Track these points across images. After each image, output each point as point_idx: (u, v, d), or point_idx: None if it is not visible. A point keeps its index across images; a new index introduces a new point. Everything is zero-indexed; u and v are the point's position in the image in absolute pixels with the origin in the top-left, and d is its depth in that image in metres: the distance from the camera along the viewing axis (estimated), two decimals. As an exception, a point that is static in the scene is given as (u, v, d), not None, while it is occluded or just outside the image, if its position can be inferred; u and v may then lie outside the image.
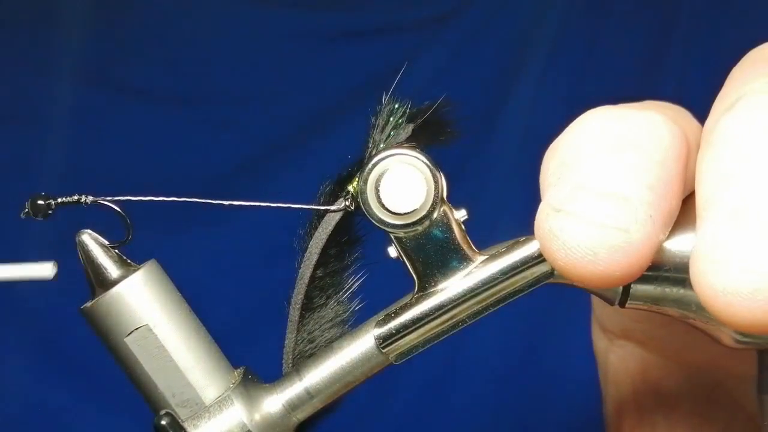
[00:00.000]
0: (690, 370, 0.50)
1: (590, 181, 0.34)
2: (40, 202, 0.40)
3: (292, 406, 0.41)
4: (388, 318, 0.41)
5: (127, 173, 0.82)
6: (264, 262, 0.83)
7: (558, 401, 0.82)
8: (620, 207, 0.33)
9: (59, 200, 0.41)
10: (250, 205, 0.43)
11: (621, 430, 0.53)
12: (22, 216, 0.41)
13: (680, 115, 0.40)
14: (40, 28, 0.84)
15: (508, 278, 0.40)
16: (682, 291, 0.37)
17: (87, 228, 0.41)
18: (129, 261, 0.42)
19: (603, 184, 0.33)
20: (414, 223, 0.40)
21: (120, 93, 0.85)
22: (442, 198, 0.40)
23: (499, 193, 0.82)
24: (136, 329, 0.40)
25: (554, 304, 0.79)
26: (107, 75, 0.85)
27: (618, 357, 0.51)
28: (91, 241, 0.41)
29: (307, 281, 0.43)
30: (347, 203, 0.42)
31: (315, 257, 0.43)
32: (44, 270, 0.41)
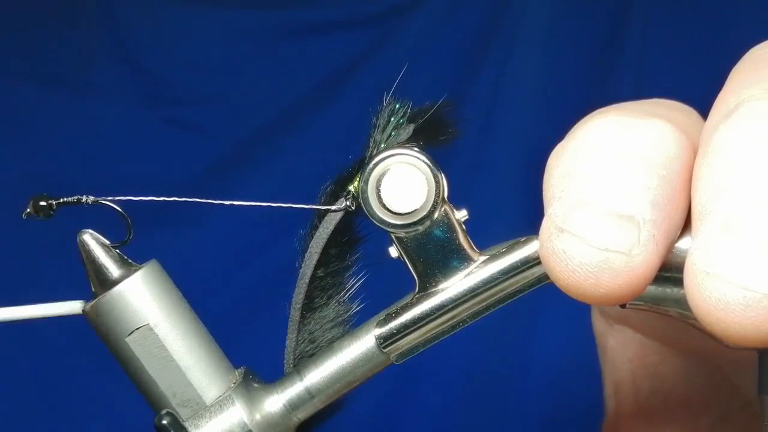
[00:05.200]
0: (688, 355, 0.50)
1: (593, 197, 0.33)
2: (42, 203, 0.41)
3: (293, 406, 0.41)
4: (388, 318, 0.41)
5: (92, 176, 0.82)
6: (242, 262, 0.83)
7: (526, 389, 0.82)
8: (623, 228, 0.33)
9: (60, 200, 0.41)
10: (249, 205, 0.43)
11: (619, 412, 0.53)
12: (24, 216, 0.41)
13: (687, 116, 0.39)
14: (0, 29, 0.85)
15: (508, 278, 0.40)
16: (682, 291, 0.37)
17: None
18: (130, 261, 0.42)
19: (606, 202, 0.33)
20: (415, 223, 0.40)
21: (83, 95, 0.85)
22: (443, 198, 0.40)
23: (461, 180, 0.82)
24: (137, 329, 0.40)
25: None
26: (69, 77, 0.85)
27: (616, 341, 0.51)
28: (92, 240, 0.41)
29: (308, 281, 0.43)
30: (348, 203, 0.42)
31: (316, 257, 0.43)
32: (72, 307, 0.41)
